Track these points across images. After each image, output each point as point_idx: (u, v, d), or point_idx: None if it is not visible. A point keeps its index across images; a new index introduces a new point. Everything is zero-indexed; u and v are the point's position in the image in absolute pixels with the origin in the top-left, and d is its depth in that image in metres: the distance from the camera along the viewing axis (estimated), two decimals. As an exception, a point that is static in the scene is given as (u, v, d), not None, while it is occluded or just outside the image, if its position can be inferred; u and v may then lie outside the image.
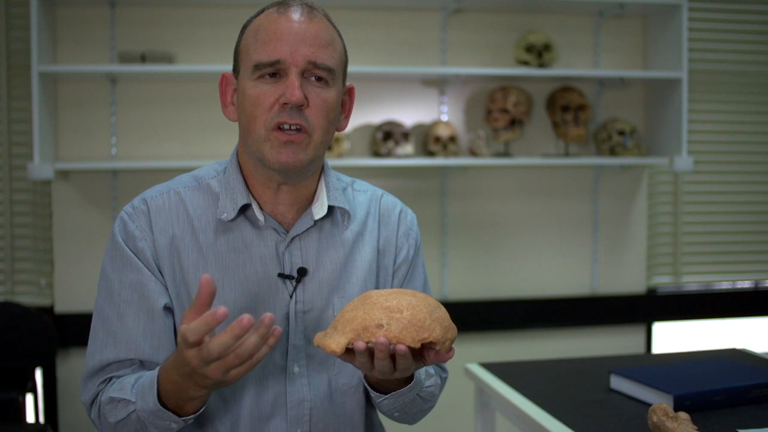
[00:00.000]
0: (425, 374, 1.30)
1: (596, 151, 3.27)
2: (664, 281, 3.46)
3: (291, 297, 1.25)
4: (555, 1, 3.07)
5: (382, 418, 1.43)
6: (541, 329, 3.31)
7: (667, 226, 3.44)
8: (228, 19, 2.97)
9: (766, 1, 3.45)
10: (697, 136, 3.40)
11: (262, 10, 1.23)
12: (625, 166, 3.29)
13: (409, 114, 3.16)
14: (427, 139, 3.07)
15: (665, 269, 3.45)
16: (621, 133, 3.16)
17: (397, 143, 3.00)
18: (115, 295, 1.22)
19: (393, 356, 1.06)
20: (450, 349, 1.08)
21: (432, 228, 3.21)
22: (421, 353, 1.09)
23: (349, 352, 1.07)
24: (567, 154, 3.22)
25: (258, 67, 1.18)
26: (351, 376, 1.29)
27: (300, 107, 1.17)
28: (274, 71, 1.18)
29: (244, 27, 1.24)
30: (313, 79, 1.19)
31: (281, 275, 1.24)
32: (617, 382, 1.73)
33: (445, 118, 3.19)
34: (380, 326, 1.03)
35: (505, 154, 3.16)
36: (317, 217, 1.27)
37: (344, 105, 1.30)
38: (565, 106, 3.13)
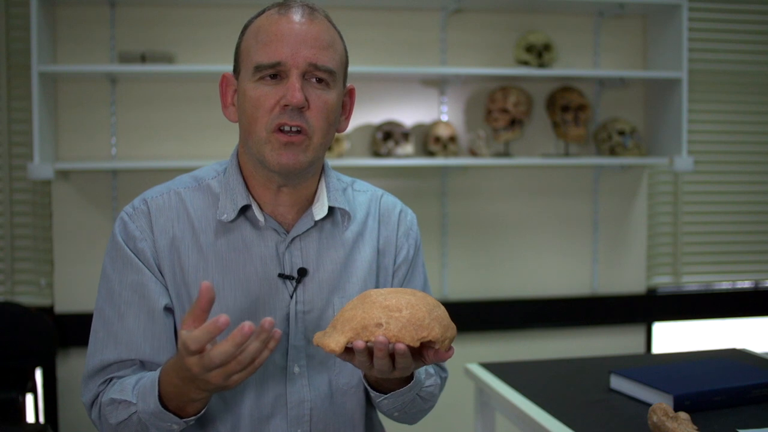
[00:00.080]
0: (425, 374, 1.30)
1: (596, 151, 3.27)
2: (664, 281, 3.46)
3: (291, 297, 1.25)
4: (555, 1, 3.07)
5: (382, 418, 1.43)
6: (541, 329, 3.31)
7: (667, 226, 3.44)
8: (228, 19, 2.97)
9: (766, 1, 3.45)
10: (697, 136, 3.40)
11: (263, 11, 1.23)
12: (625, 166, 3.29)
13: (409, 114, 3.16)
14: (427, 139, 3.07)
15: (665, 269, 3.46)
16: (621, 133, 3.16)
17: (397, 143, 3.00)
18: (115, 295, 1.22)
19: (392, 355, 1.05)
20: (449, 348, 1.08)
21: (432, 228, 3.21)
22: (420, 352, 1.09)
23: (348, 351, 1.07)
24: (567, 154, 3.22)
25: (259, 68, 1.18)
26: (351, 376, 1.29)
27: (301, 109, 1.17)
28: (275, 73, 1.18)
29: (245, 28, 1.24)
30: (314, 80, 1.19)
31: (281, 275, 1.24)
32: (617, 382, 1.73)
33: (445, 118, 3.19)
34: (379, 325, 1.03)
35: (505, 154, 3.16)
36: (318, 217, 1.27)
37: (345, 106, 1.29)
38: (565, 106, 3.13)
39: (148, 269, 1.22)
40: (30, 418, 2.85)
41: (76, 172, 2.96)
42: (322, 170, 1.31)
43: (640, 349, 3.42)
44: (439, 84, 3.18)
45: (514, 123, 3.10)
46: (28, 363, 2.84)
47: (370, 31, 3.11)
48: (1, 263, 2.97)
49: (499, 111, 3.08)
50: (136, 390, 1.15)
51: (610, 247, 3.36)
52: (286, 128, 1.17)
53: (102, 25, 2.94)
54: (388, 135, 3.02)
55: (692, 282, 3.48)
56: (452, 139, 3.04)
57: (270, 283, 1.24)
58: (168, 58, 2.87)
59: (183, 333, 1.01)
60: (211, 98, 2.95)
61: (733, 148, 3.46)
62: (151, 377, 1.14)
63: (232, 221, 1.25)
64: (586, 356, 2.14)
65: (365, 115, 3.12)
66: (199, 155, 3.00)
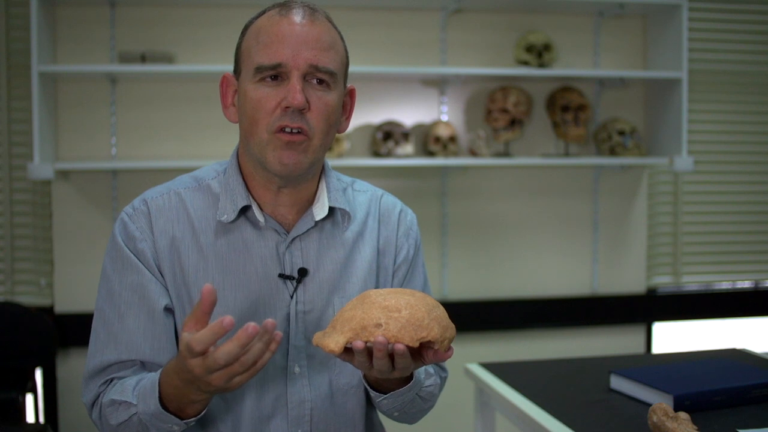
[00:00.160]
0: (425, 374, 1.30)
1: (596, 151, 3.27)
2: (664, 281, 3.46)
3: (291, 297, 1.25)
4: (555, 1, 3.07)
5: (383, 418, 1.43)
6: (541, 329, 3.31)
7: (667, 226, 3.44)
8: (228, 19, 2.97)
9: (766, 1, 3.45)
10: (697, 136, 3.40)
11: (264, 12, 1.23)
12: (625, 166, 3.29)
13: (409, 114, 3.16)
14: (427, 139, 3.07)
15: (665, 269, 3.46)
16: (621, 133, 3.16)
17: (397, 143, 3.00)
18: (115, 296, 1.22)
19: (391, 355, 1.06)
20: (449, 348, 1.08)
21: (432, 228, 3.21)
22: (419, 352, 1.09)
23: (347, 351, 1.07)
24: (567, 154, 3.22)
25: (259, 69, 1.17)
26: (352, 376, 1.29)
27: (301, 111, 1.17)
28: (276, 74, 1.17)
29: (245, 28, 1.24)
30: (315, 82, 1.19)
31: (282, 276, 1.25)
32: (617, 382, 1.73)
33: (445, 118, 3.19)
34: (379, 325, 1.03)
35: (505, 154, 3.16)
36: (318, 218, 1.27)
37: (345, 107, 1.29)
38: (565, 106, 3.13)
39: (148, 270, 1.22)
40: (30, 418, 2.85)
41: (76, 172, 2.96)
42: (323, 170, 1.31)
43: (640, 349, 3.42)
44: (439, 84, 3.18)
45: (514, 123, 3.10)
46: (28, 363, 2.84)
47: (370, 31, 3.11)
48: (1, 263, 2.98)
49: (499, 111, 3.08)
50: (137, 391, 1.15)
51: (610, 247, 3.36)
52: (287, 130, 1.17)
53: (102, 25, 2.94)
54: (388, 135, 3.02)
55: (692, 282, 3.48)
56: (452, 139, 3.04)
57: (270, 283, 1.24)
58: (168, 58, 2.87)
59: (185, 335, 1.01)
60: (211, 98, 2.95)
61: (733, 148, 3.46)
62: (152, 378, 1.14)
63: (233, 222, 1.25)
64: (586, 356, 2.14)
65: (365, 115, 3.12)
66: (199, 155, 3.00)
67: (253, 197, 1.26)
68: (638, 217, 3.38)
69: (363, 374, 1.25)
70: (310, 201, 1.29)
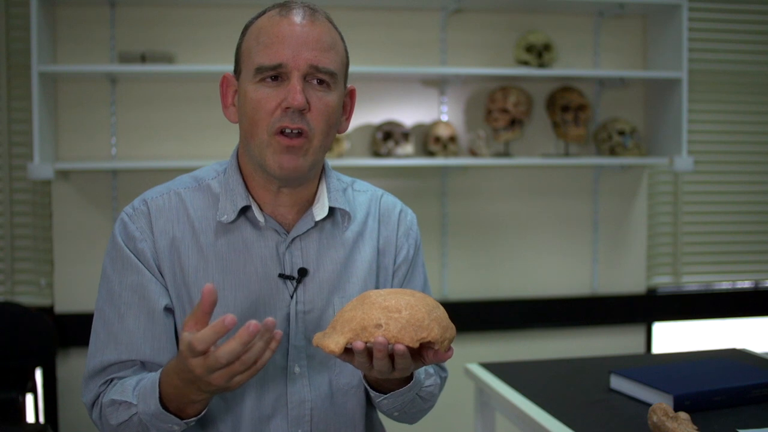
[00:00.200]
0: (425, 374, 1.30)
1: (596, 151, 3.27)
2: (664, 281, 3.46)
3: (291, 297, 1.25)
4: (555, 1, 3.07)
5: (383, 418, 1.43)
6: (541, 329, 3.31)
7: (667, 226, 3.44)
8: (228, 19, 2.97)
9: (766, 1, 3.45)
10: (697, 136, 3.40)
11: (264, 12, 1.23)
12: (625, 166, 3.29)
13: (409, 114, 3.16)
14: (427, 139, 3.07)
15: (665, 269, 3.46)
16: (621, 133, 3.16)
17: (397, 143, 3.00)
18: (115, 296, 1.22)
19: (392, 356, 1.06)
20: (449, 348, 1.08)
21: (432, 228, 3.21)
22: (419, 353, 1.09)
23: (348, 351, 1.07)
24: (567, 154, 3.22)
25: (260, 70, 1.17)
26: (352, 376, 1.29)
27: (302, 111, 1.17)
28: (276, 74, 1.17)
29: (246, 28, 1.24)
30: (315, 82, 1.19)
31: (282, 276, 1.25)
32: (617, 382, 1.73)
33: (445, 118, 3.19)
34: (379, 326, 1.03)
35: (505, 154, 3.16)
36: (318, 218, 1.27)
37: (345, 107, 1.29)
38: (565, 106, 3.13)
39: (148, 270, 1.22)
40: (30, 418, 2.85)
41: (76, 172, 2.96)
42: (323, 171, 1.31)
43: (640, 349, 3.42)
44: (439, 84, 3.18)
45: (514, 123, 3.10)
46: (28, 363, 2.84)
47: (370, 31, 3.11)
48: (1, 263, 2.98)
49: (499, 111, 3.08)
50: (137, 391, 1.15)
51: (610, 247, 3.36)
52: (287, 131, 1.17)
53: (102, 25, 2.94)
54: (388, 135, 3.02)
55: (692, 282, 3.48)
56: (452, 139, 3.04)
57: (270, 283, 1.24)
58: (168, 58, 2.87)
59: (186, 334, 1.01)
60: (211, 98, 2.95)
61: (733, 148, 3.46)
62: (152, 378, 1.14)
63: (233, 222, 1.25)
64: (586, 356, 2.14)
65: (365, 115, 3.12)
66: (199, 155, 3.00)
67: (253, 197, 1.26)
68: (638, 217, 3.38)
69: (363, 374, 1.25)
70: (310, 201, 1.29)
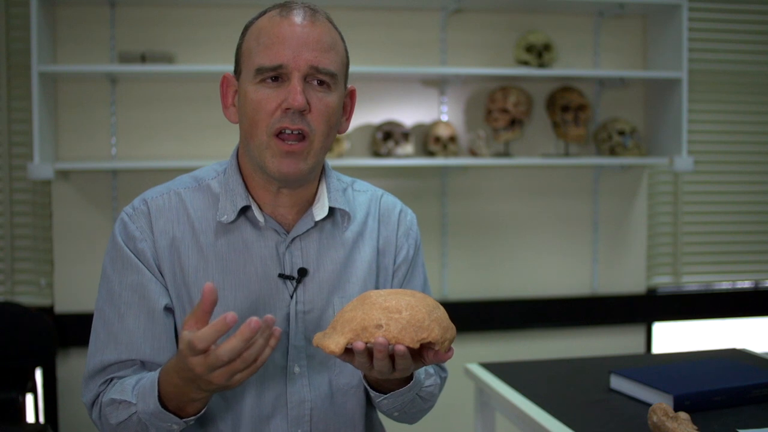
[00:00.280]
0: (425, 374, 1.30)
1: (596, 151, 3.27)
2: (664, 281, 3.46)
3: (291, 297, 1.25)
4: (555, 1, 3.07)
5: (383, 418, 1.43)
6: (541, 329, 3.31)
7: (667, 226, 3.44)
8: (228, 19, 2.97)
9: (766, 1, 3.45)
10: (697, 136, 3.40)
11: (264, 12, 1.22)
12: (625, 166, 3.29)
13: (409, 114, 3.16)
14: (427, 139, 3.07)
15: (665, 269, 3.46)
16: (621, 133, 3.16)
17: (397, 143, 3.00)
18: (115, 296, 1.22)
19: (392, 356, 1.06)
20: (449, 349, 1.08)
21: (432, 228, 3.21)
22: (420, 353, 1.09)
23: (348, 352, 1.07)
24: (567, 154, 3.22)
25: (260, 71, 1.17)
26: (351, 376, 1.29)
27: (302, 112, 1.17)
28: (276, 75, 1.17)
29: (246, 28, 1.24)
30: (315, 83, 1.19)
31: (282, 276, 1.25)
32: (617, 382, 1.73)
33: (445, 118, 3.19)
34: (379, 326, 1.03)
35: (505, 154, 3.16)
36: (318, 218, 1.27)
37: (345, 107, 1.29)
38: (565, 106, 3.13)
39: (148, 270, 1.22)
40: (30, 418, 2.85)
41: (76, 172, 2.96)
42: (323, 171, 1.31)
43: (640, 349, 3.42)
44: (439, 84, 3.18)
45: (514, 123, 3.10)
46: (28, 363, 2.84)
47: (370, 31, 3.11)
48: (1, 263, 2.98)
49: (499, 111, 3.08)
50: (136, 390, 1.15)
51: (610, 247, 3.36)
52: (288, 131, 1.17)
53: (102, 25, 2.94)
54: (388, 135, 3.02)
55: (692, 282, 3.48)
56: (452, 139, 3.04)
57: (270, 283, 1.24)
58: (168, 58, 2.87)
59: (186, 333, 1.01)
60: (211, 98, 2.95)
61: (733, 148, 3.46)
62: (151, 378, 1.14)
63: (232, 222, 1.25)
64: (586, 356, 2.14)
65: (365, 115, 3.12)
66: (199, 155, 3.00)
67: (252, 197, 1.26)
68: (638, 217, 3.38)
69: (363, 374, 1.25)
70: (310, 201, 1.29)
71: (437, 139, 3.03)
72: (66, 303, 2.97)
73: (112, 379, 1.20)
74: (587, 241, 3.34)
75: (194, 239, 1.24)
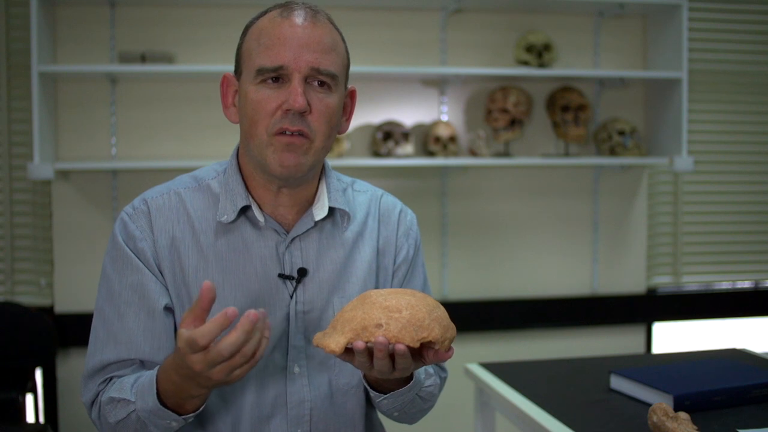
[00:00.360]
0: (425, 374, 1.30)
1: (596, 151, 3.27)
2: (664, 281, 3.46)
3: (291, 297, 1.25)
4: (555, 1, 3.07)
5: (383, 418, 1.43)
6: (541, 329, 3.31)
7: (667, 226, 3.44)
8: (228, 19, 2.97)
9: (766, 1, 3.45)
10: (697, 136, 3.40)
11: (265, 12, 1.22)
12: (625, 166, 3.29)
13: (409, 114, 3.16)
14: (427, 139, 3.07)
15: (665, 269, 3.46)
16: (621, 133, 3.16)
17: (397, 143, 3.00)
18: (115, 295, 1.22)
19: (392, 356, 1.06)
20: (449, 348, 1.08)
21: (432, 228, 3.21)
22: (420, 353, 1.09)
23: (348, 351, 1.07)
24: (567, 154, 3.22)
25: (261, 71, 1.17)
26: (351, 376, 1.29)
27: (302, 113, 1.17)
28: (277, 76, 1.17)
29: (246, 29, 1.24)
30: (316, 84, 1.19)
31: (281, 275, 1.25)
32: (617, 382, 1.73)
33: (445, 118, 3.19)
34: (379, 326, 1.03)
35: (505, 154, 3.16)
36: (318, 218, 1.27)
37: (345, 108, 1.29)
38: (565, 106, 3.13)
39: (148, 269, 1.22)
40: (30, 418, 2.85)
41: (76, 172, 2.96)
42: (323, 171, 1.31)
43: (640, 349, 3.42)
44: (439, 84, 3.18)
45: (514, 123, 3.10)
46: (28, 363, 2.84)
47: (370, 31, 3.11)
48: (1, 263, 2.97)
49: (499, 111, 3.08)
50: (135, 388, 1.15)
51: (610, 247, 3.36)
52: (288, 132, 1.17)
53: (102, 25, 2.94)
54: (388, 135, 3.02)
55: (692, 282, 3.48)
56: (452, 139, 3.04)
57: (270, 283, 1.24)
58: (168, 58, 2.87)
59: (184, 331, 1.01)
60: (211, 98, 2.95)
61: (733, 148, 3.46)
62: (149, 376, 1.14)
63: (232, 222, 1.25)
64: (586, 356, 2.14)
65: (365, 115, 3.12)
66: (199, 155, 3.00)
67: (252, 197, 1.26)
68: (638, 217, 3.38)
69: (363, 374, 1.25)
70: (310, 201, 1.29)
71: (437, 139, 3.03)
72: (66, 303, 2.97)
73: (111, 379, 1.21)
74: (587, 241, 3.34)
75: (194, 239, 1.24)
